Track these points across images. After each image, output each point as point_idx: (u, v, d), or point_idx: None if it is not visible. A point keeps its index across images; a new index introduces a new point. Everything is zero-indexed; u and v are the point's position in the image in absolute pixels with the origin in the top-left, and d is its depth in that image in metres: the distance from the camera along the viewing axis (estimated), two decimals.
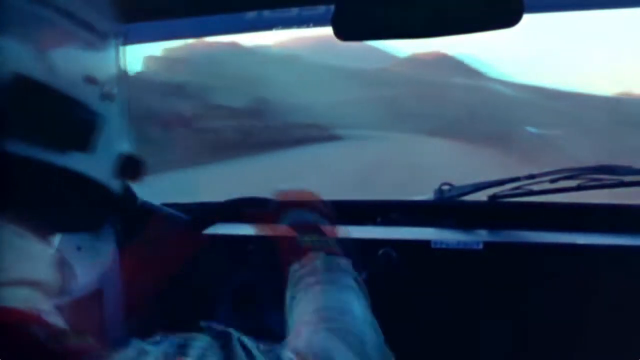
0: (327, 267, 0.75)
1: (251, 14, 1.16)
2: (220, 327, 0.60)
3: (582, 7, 1.31)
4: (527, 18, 0.84)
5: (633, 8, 1.16)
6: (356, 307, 0.70)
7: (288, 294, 0.76)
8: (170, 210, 1.28)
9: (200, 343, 0.52)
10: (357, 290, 0.74)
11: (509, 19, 0.83)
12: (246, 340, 0.58)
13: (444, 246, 1.14)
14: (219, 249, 1.16)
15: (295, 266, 0.78)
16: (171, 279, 0.95)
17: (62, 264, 0.52)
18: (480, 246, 1.13)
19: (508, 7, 0.83)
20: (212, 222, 1.09)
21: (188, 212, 1.24)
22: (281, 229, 0.99)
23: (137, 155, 0.58)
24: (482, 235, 1.19)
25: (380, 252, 1.13)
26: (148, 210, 1.23)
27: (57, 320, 0.44)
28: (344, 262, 0.78)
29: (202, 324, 0.59)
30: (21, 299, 0.43)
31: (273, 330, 1.08)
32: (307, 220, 0.86)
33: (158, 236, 1.03)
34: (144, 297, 0.90)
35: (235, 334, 0.58)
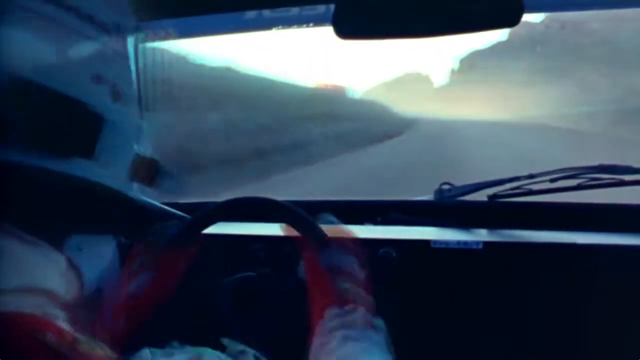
0: (367, 324, 0.73)
1: (251, 14, 1.16)
2: (239, 347, 0.60)
3: (582, 7, 1.31)
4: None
5: (633, 8, 1.16)
6: None
7: (318, 340, 0.73)
8: (170, 210, 1.28)
9: (209, 357, 0.52)
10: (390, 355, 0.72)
11: (509, 19, 0.83)
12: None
13: (443, 246, 1.14)
14: (219, 249, 1.16)
15: (333, 311, 0.75)
16: (171, 279, 0.95)
17: (73, 271, 0.51)
18: (480, 246, 1.13)
19: (508, 6, 0.83)
20: (212, 222, 1.08)
21: (188, 212, 1.24)
22: (283, 229, 0.99)
23: (151, 157, 0.56)
24: (482, 235, 1.19)
25: (380, 251, 1.13)
26: (148, 210, 1.23)
27: (69, 327, 0.44)
28: (380, 322, 0.76)
29: (223, 341, 0.58)
30: (33, 305, 0.42)
31: (273, 331, 1.09)
32: (347, 265, 0.84)
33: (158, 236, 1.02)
34: (144, 298, 0.90)
35: (251, 352, 0.58)
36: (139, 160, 0.55)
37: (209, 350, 0.56)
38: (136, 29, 0.57)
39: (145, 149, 0.56)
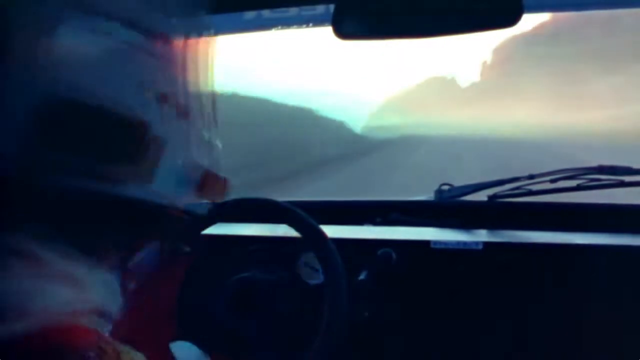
0: None
1: (250, 14, 1.15)
2: None
3: (582, 7, 1.31)
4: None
5: (633, 8, 1.16)
6: None
7: None
8: None
9: None
10: None
11: (509, 19, 0.83)
12: None
13: (443, 246, 1.14)
14: (219, 250, 1.16)
15: None
16: (171, 280, 0.95)
17: (120, 286, 0.50)
18: (480, 246, 1.13)
19: (507, 7, 0.83)
20: (212, 222, 1.08)
21: (188, 212, 1.24)
22: (283, 230, 0.99)
23: (217, 171, 0.53)
24: (481, 236, 1.18)
25: (380, 252, 1.13)
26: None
27: (111, 339, 0.43)
28: None
29: None
30: (78, 320, 0.41)
31: (272, 332, 1.09)
32: None
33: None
34: (145, 298, 0.90)
35: None
36: (206, 176, 0.51)
37: None
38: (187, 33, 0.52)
39: (212, 163, 0.53)
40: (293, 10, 1.17)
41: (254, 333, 1.08)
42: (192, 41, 0.52)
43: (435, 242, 1.14)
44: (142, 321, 0.84)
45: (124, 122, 0.44)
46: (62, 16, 0.41)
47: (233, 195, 1.06)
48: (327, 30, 0.88)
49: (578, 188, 1.23)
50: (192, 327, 1.07)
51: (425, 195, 1.44)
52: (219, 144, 0.54)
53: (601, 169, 1.24)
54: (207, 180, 0.50)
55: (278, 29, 1.20)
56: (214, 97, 0.55)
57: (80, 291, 0.42)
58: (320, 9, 1.13)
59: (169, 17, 0.48)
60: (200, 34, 0.53)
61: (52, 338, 0.39)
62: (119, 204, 0.45)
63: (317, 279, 1.09)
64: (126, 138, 0.45)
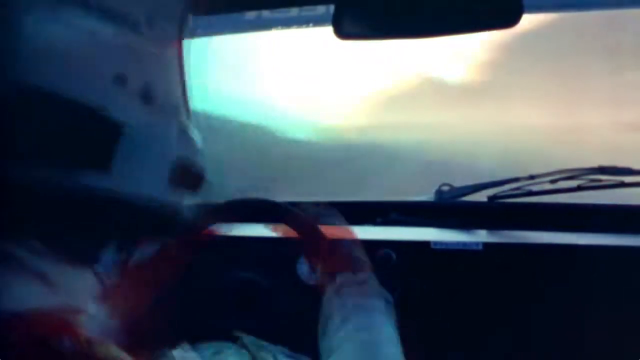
0: (377, 292, 0.72)
1: (251, 14, 1.16)
2: (251, 339, 0.59)
3: (582, 7, 1.31)
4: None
5: (633, 8, 1.16)
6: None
7: (329, 307, 0.72)
8: None
9: (232, 351, 0.50)
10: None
11: (509, 19, 0.83)
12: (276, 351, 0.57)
13: (443, 247, 1.14)
14: (218, 250, 1.16)
15: (344, 276, 0.74)
16: (172, 280, 0.94)
17: (104, 288, 0.48)
18: (480, 247, 1.13)
19: (508, 7, 0.83)
20: (212, 223, 1.08)
21: (188, 212, 1.24)
22: (284, 230, 0.99)
23: (193, 161, 0.51)
24: (482, 236, 1.18)
25: (380, 253, 1.13)
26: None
27: (86, 330, 0.42)
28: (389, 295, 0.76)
29: (236, 333, 0.56)
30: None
31: (273, 332, 1.09)
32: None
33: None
34: (145, 299, 0.90)
35: (269, 346, 0.57)
36: (182, 166, 0.50)
37: (229, 345, 0.55)
38: (180, 27, 0.50)
39: (191, 154, 0.52)
40: (293, 11, 1.17)
41: (254, 333, 1.08)
42: (170, 37, 0.50)
43: (436, 243, 1.14)
44: (141, 322, 0.84)
45: (99, 118, 0.42)
46: (38, 7, 0.39)
47: (232, 196, 1.06)
48: (321, 31, 0.88)
49: (578, 189, 1.23)
50: (192, 328, 1.07)
51: (425, 195, 1.44)
52: (197, 135, 0.52)
53: (601, 170, 1.24)
54: (183, 172, 0.49)
55: (278, 29, 1.20)
56: (186, 89, 0.54)
57: (57, 290, 0.42)
58: (320, 9, 1.13)
59: (151, 15, 0.46)
60: (179, 32, 0.52)
61: (25, 329, 0.38)
62: (95, 203, 0.44)
63: (316, 280, 1.09)
64: (101, 134, 0.43)
